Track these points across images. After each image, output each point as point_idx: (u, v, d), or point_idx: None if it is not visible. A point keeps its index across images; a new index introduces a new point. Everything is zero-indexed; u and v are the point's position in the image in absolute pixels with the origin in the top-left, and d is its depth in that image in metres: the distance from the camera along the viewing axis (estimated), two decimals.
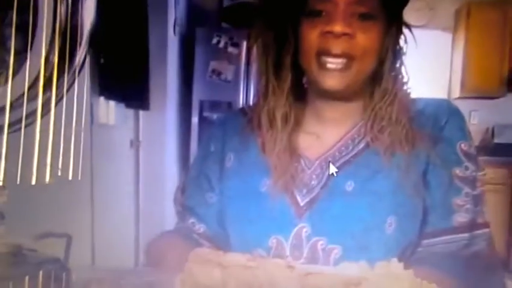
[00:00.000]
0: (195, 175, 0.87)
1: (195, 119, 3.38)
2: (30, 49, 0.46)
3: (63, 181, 0.50)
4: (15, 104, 0.46)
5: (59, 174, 0.48)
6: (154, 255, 0.83)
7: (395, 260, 0.50)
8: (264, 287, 0.46)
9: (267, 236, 0.76)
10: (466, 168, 0.76)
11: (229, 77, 3.37)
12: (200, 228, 0.83)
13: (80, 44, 0.50)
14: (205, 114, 3.34)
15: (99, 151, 1.88)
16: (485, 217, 0.77)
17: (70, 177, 0.49)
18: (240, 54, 3.34)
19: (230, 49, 3.36)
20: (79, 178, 0.50)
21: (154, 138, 2.80)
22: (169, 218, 0.93)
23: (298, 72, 0.79)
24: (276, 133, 0.78)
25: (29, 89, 0.46)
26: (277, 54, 0.78)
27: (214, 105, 3.34)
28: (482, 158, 0.80)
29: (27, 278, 0.51)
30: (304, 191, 0.78)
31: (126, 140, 2.51)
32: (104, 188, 1.91)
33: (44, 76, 0.47)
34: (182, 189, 0.88)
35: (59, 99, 0.49)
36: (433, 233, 0.75)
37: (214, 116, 3.23)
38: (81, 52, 0.51)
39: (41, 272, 0.53)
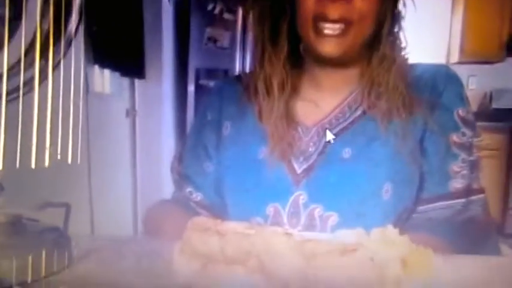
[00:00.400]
0: (192, 144, 0.87)
1: (191, 87, 3.36)
2: (24, 17, 0.46)
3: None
4: (10, 73, 0.46)
5: (58, 157, 0.48)
6: (152, 224, 0.84)
7: (391, 226, 0.51)
8: (262, 255, 0.47)
9: (264, 204, 0.77)
10: (463, 134, 0.77)
11: (226, 43, 3.33)
12: (197, 196, 0.84)
13: (72, 12, 0.50)
14: (202, 82, 3.32)
15: (95, 121, 1.87)
16: (480, 183, 0.78)
17: (69, 161, 0.49)
18: (236, 20, 3.30)
19: (226, 15, 3.31)
20: (78, 162, 0.50)
21: (150, 108, 2.79)
22: (167, 187, 0.94)
23: (295, 39, 0.78)
24: (273, 101, 0.78)
25: (19, 60, 0.46)
26: (274, 21, 0.77)
27: (211, 73, 3.31)
28: (479, 124, 0.80)
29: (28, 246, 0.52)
30: (301, 158, 0.78)
31: (122, 110, 2.50)
32: (101, 157, 1.91)
33: (37, 44, 0.46)
34: (179, 159, 0.88)
35: (54, 67, 0.49)
36: (429, 199, 0.76)
37: (211, 84, 3.21)
38: (74, 20, 0.50)
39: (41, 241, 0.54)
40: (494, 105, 4.04)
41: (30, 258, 0.51)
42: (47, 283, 0.50)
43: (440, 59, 3.98)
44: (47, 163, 0.47)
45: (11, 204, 0.54)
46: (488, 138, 3.29)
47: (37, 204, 0.58)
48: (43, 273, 0.51)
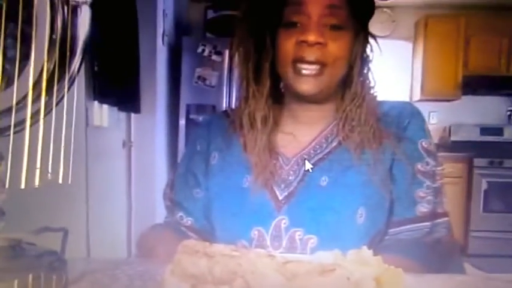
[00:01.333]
0: (183, 172, 0.86)
1: (182, 121, 3.37)
2: (29, 58, 0.45)
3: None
4: (17, 107, 0.46)
5: (49, 178, 0.47)
6: (145, 247, 0.82)
7: (365, 247, 0.50)
8: (247, 275, 0.46)
9: (249, 228, 0.76)
10: (427, 163, 0.77)
11: (213, 82, 3.36)
12: (188, 221, 0.83)
13: (75, 53, 0.50)
14: (192, 116, 3.33)
15: (93, 152, 1.85)
16: (444, 207, 0.78)
17: (60, 181, 0.48)
18: (223, 61, 3.34)
19: (214, 57, 3.35)
20: (69, 182, 0.49)
21: (145, 139, 2.77)
22: (160, 212, 0.92)
23: (276, 77, 0.79)
24: (256, 133, 0.78)
25: (26, 95, 0.45)
26: (257, 62, 0.78)
27: (200, 108, 3.33)
28: (441, 154, 0.81)
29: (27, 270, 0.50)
30: (283, 186, 0.78)
31: (118, 141, 2.48)
32: (98, 186, 1.89)
33: (43, 82, 0.46)
34: (171, 186, 0.87)
35: (57, 103, 0.48)
36: (398, 222, 0.76)
37: (200, 118, 3.22)
38: (77, 61, 0.50)
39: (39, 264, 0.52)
40: (453, 138, 4.10)
41: (28, 281, 0.49)
42: None
43: (404, 97, 4.05)
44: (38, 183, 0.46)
45: (11, 229, 0.52)
46: (449, 167, 3.33)
47: (36, 228, 0.56)
48: None
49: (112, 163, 2.35)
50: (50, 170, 0.46)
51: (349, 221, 0.74)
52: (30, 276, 0.50)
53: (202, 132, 0.87)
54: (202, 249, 0.51)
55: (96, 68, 1.88)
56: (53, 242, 0.55)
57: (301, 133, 0.81)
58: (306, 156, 0.79)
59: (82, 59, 0.51)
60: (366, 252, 0.50)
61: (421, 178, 0.77)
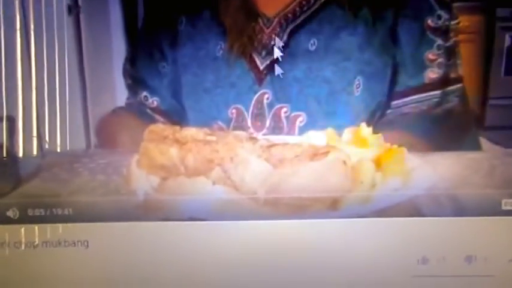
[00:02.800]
0: (145, 42, 0.84)
1: None
2: None
3: None
4: None
5: None
6: (106, 135, 0.83)
7: (363, 124, 0.51)
8: (225, 162, 0.46)
9: (225, 106, 0.76)
10: (439, 17, 0.76)
11: None
12: (153, 101, 0.83)
13: None
14: None
15: (34, 21, 1.78)
16: (458, 71, 0.78)
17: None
18: None
19: None
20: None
21: (95, 2, 2.67)
22: (120, 93, 0.92)
23: None
24: None
25: None
26: None
27: None
28: (455, 5, 0.79)
29: None
30: (264, 53, 0.76)
31: (61, 5, 2.38)
32: (43, 63, 1.85)
33: None
34: (131, 60, 0.86)
35: None
36: (403, 93, 0.76)
37: None
38: None
39: None
40: None
41: None
42: None
43: None
44: None
45: None
46: (465, 20, 3.29)
47: None
48: None
49: (57, 34, 2.28)
50: None
51: (344, 93, 0.74)
52: None
53: None
54: (171, 135, 0.51)
55: None
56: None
57: None
58: (290, 15, 0.76)
59: None
60: (365, 130, 0.50)
61: (431, 36, 0.76)
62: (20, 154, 0.60)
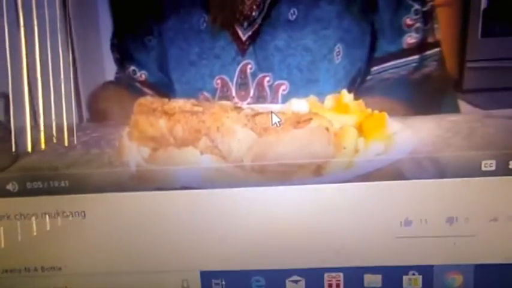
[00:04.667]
0: (131, 17, 0.83)
1: None
2: None
3: None
4: None
5: None
6: (97, 109, 0.82)
7: (344, 91, 0.51)
8: (212, 132, 0.46)
9: (210, 76, 0.76)
10: None
11: None
12: (141, 75, 0.82)
13: None
14: None
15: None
16: (436, 35, 0.78)
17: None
18: None
19: None
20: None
21: None
22: (108, 68, 0.91)
23: None
24: None
25: None
26: None
27: None
28: None
29: None
30: (245, 24, 0.75)
31: None
32: (34, 41, 1.82)
33: None
34: (118, 35, 0.85)
35: None
36: (382, 59, 0.76)
37: None
38: None
39: None
40: None
41: None
42: None
43: None
44: None
45: None
46: None
47: None
48: None
49: (44, 9, 2.23)
50: None
51: (325, 60, 0.73)
52: None
53: None
54: (160, 107, 0.51)
55: None
56: None
57: None
58: None
59: None
60: (346, 96, 0.50)
61: (409, 2, 0.75)
62: (15, 130, 0.59)
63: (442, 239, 0.49)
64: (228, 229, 0.49)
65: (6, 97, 0.59)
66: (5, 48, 0.52)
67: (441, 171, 0.48)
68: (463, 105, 0.82)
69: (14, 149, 0.54)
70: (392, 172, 0.48)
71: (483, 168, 0.48)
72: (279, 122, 0.46)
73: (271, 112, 0.47)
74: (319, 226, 0.48)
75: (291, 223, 0.48)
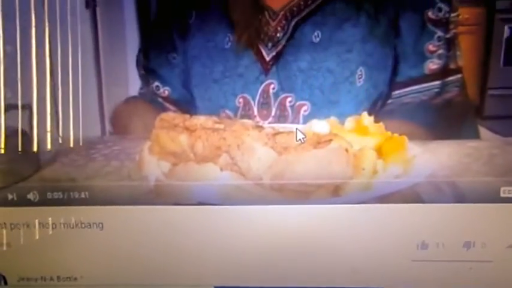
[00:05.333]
0: (157, 35, 0.84)
1: None
2: None
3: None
4: None
5: None
6: (120, 123, 0.83)
7: (365, 113, 0.50)
8: (232, 149, 0.46)
9: (233, 95, 0.76)
10: (439, 9, 0.75)
11: None
12: (165, 91, 0.83)
13: None
14: None
15: (53, 16, 1.78)
16: (458, 62, 0.78)
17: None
18: None
19: None
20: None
21: None
22: (133, 83, 0.92)
23: None
24: None
25: None
26: None
27: None
28: None
29: None
30: (270, 44, 0.76)
31: (81, 0, 2.37)
32: (61, 55, 1.85)
33: None
34: (144, 52, 0.86)
35: None
36: (404, 83, 0.76)
37: None
38: None
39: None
40: None
41: None
42: (16, 189, 0.50)
43: None
44: None
45: None
46: (465, 13, 3.25)
47: None
48: (11, 180, 0.50)
49: (75, 27, 2.28)
50: None
51: (347, 83, 0.73)
52: None
53: None
54: (181, 123, 0.51)
55: None
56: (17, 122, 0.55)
57: None
58: (295, 9, 0.76)
59: None
60: (366, 119, 0.50)
61: (431, 28, 0.75)
62: (38, 141, 0.60)
63: (458, 263, 0.48)
64: (244, 246, 0.48)
65: (30, 108, 0.59)
66: (32, 61, 0.53)
67: (460, 196, 0.47)
68: (483, 131, 0.81)
69: (36, 159, 0.54)
70: (411, 195, 0.47)
71: (502, 195, 0.47)
72: (303, 138, 0.45)
73: (296, 128, 0.47)
74: (336, 246, 0.47)
75: (308, 242, 0.47)
